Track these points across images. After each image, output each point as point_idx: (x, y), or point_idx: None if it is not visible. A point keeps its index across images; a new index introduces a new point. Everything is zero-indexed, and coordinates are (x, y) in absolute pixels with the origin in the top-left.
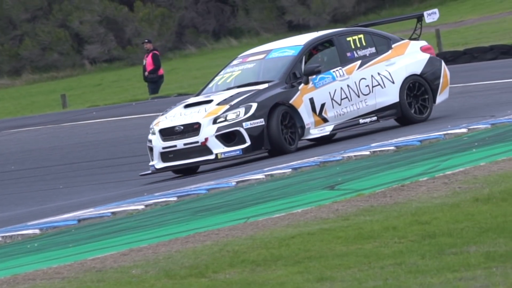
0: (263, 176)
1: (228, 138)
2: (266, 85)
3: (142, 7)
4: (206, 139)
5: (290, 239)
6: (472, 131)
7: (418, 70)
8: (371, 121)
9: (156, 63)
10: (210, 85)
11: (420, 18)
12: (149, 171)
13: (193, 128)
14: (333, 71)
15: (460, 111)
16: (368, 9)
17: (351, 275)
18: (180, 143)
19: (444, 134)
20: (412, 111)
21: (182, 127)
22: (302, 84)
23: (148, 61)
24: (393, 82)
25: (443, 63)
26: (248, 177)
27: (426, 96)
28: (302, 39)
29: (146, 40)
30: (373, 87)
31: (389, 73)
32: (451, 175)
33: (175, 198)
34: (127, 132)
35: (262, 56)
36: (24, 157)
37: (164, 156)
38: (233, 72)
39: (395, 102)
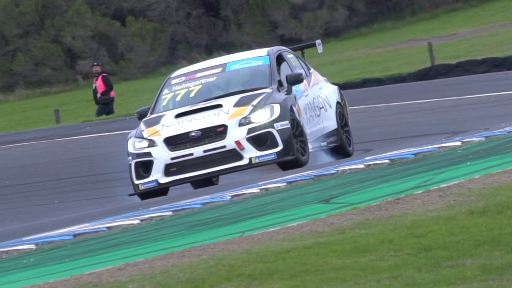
0: (258, 190)
1: (259, 141)
2: (269, 90)
3: (134, 22)
4: (238, 143)
5: (286, 253)
6: (466, 144)
7: (338, 98)
8: (324, 146)
9: (108, 84)
10: (163, 103)
11: (303, 50)
12: (138, 190)
13: (216, 132)
14: (298, 85)
15: (454, 124)
16: (360, 23)
17: None
18: (198, 151)
19: (438, 147)
20: (345, 141)
21: (199, 132)
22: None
23: (99, 83)
24: (330, 107)
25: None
26: (243, 191)
27: (348, 128)
28: (260, 52)
29: (95, 63)
30: (319, 108)
31: (326, 96)
32: (446, 188)
33: (170, 213)
34: (121, 147)
35: (218, 69)
36: (18, 173)
37: (167, 170)
38: (188, 87)
39: (335, 129)
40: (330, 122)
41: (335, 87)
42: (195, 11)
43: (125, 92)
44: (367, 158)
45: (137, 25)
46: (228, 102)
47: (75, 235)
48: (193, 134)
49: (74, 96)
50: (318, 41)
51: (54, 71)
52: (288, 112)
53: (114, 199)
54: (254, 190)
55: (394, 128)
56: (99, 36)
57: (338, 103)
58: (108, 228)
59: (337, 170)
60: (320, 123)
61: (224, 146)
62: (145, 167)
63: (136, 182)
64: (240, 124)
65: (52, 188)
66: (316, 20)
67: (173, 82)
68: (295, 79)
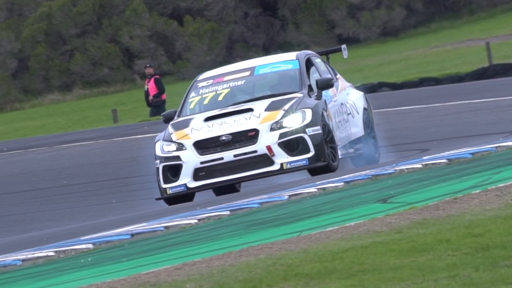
0: (316, 190)
1: (291, 146)
2: (300, 94)
3: (192, 21)
4: (269, 148)
5: (344, 253)
6: None
7: (365, 104)
8: (352, 153)
9: (160, 87)
10: (190, 106)
11: (328, 55)
12: (166, 194)
13: (247, 137)
14: (327, 90)
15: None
16: (418, 22)
17: None
18: (228, 155)
19: (496, 147)
20: (371, 148)
21: (230, 136)
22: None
23: (151, 86)
24: (358, 113)
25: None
26: (300, 191)
27: (374, 134)
28: (289, 55)
29: (148, 65)
30: (347, 114)
31: (353, 102)
32: (504, 187)
33: (228, 212)
34: None
35: (247, 73)
36: (76, 172)
37: (196, 174)
38: (216, 91)
39: (362, 136)
40: (357, 129)
41: (361, 93)
42: (252, 11)
43: (182, 92)
44: (424, 157)
45: (194, 25)
46: (259, 106)
47: (132, 235)
48: (223, 138)
49: (132, 96)
50: (343, 46)
51: (111, 70)
52: (320, 117)
53: None
54: (312, 189)
55: (452, 128)
56: (157, 36)
57: (364, 109)
58: (166, 227)
59: (395, 170)
60: (348, 129)
61: (255, 151)
62: (173, 171)
63: (164, 186)
64: (272, 129)
65: (110, 187)
66: (374, 20)
67: (200, 85)
68: (326, 84)
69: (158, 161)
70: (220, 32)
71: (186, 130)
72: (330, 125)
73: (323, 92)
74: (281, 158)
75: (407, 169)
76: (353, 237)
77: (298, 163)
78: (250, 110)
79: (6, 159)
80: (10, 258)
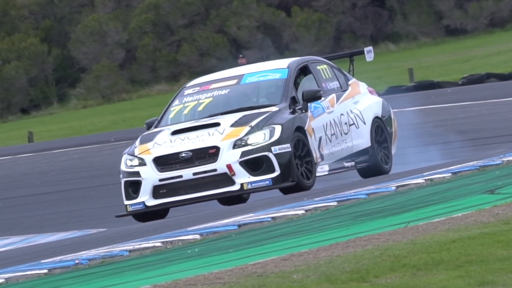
0: (423, 181)
1: (253, 165)
2: (275, 108)
3: (300, 12)
4: (229, 167)
5: (451, 244)
6: None
7: (379, 112)
8: (351, 166)
9: None
10: (171, 116)
11: (352, 57)
12: (126, 212)
13: (207, 154)
14: (321, 101)
15: None
16: None
17: None
18: (187, 173)
19: None
20: (379, 159)
21: (190, 153)
22: (304, 111)
23: None
24: (364, 123)
25: (391, 109)
26: (407, 182)
27: (387, 144)
28: (281, 63)
29: (241, 55)
30: (349, 125)
31: (360, 112)
32: None
33: (335, 203)
34: None
35: (233, 81)
36: None
37: (156, 192)
38: (198, 100)
39: (367, 147)
40: (361, 140)
41: (378, 100)
42: (360, 1)
43: None
44: None
45: (302, 16)
46: (227, 121)
47: (239, 225)
48: (183, 154)
49: None
50: (368, 48)
51: (219, 61)
52: (292, 134)
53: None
54: (419, 180)
55: None
56: (264, 27)
57: (377, 118)
58: (273, 218)
59: (502, 161)
60: (348, 141)
61: (215, 170)
62: (134, 187)
63: (126, 202)
64: (235, 146)
65: None
66: (482, 11)
67: (186, 92)
68: (311, 96)
69: (121, 176)
70: (328, 23)
71: (149, 145)
72: (310, 140)
73: (313, 104)
74: (242, 177)
75: None
76: (460, 228)
77: (260, 183)
78: (217, 124)
79: (114, 149)
80: (117, 248)
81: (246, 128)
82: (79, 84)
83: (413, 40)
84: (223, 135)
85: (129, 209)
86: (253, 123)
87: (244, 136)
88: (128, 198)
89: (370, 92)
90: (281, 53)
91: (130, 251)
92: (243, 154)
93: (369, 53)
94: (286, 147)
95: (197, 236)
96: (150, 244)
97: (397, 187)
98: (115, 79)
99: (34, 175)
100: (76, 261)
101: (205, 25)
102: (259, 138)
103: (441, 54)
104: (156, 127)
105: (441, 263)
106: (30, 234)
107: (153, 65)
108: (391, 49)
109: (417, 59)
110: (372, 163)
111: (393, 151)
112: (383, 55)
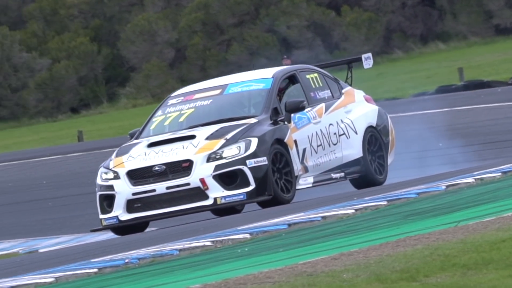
0: (473, 180)
1: (227, 179)
2: (254, 120)
3: (350, 11)
4: (203, 181)
5: (501, 243)
6: None
7: (373, 121)
8: (340, 177)
9: None
10: (152, 126)
11: (350, 64)
12: (102, 226)
13: (181, 168)
14: (307, 111)
15: None
16: None
17: None
18: (161, 187)
19: None
20: (373, 169)
21: (163, 167)
22: (287, 123)
23: None
24: (356, 133)
25: (389, 118)
26: (458, 181)
27: (382, 153)
28: (266, 72)
29: (285, 56)
30: (339, 136)
31: (351, 121)
32: None
33: (385, 202)
34: None
35: (217, 91)
36: None
37: (130, 206)
38: (180, 110)
39: (359, 157)
40: (352, 151)
41: (373, 109)
42: (410, 1)
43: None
44: None
45: (352, 15)
46: (203, 133)
47: (289, 225)
48: (156, 168)
49: None
50: (366, 55)
51: (269, 60)
52: (270, 146)
53: (333, 187)
54: (469, 180)
55: None
56: (314, 26)
57: (371, 127)
58: (323, 217)
59: None
60: (337, 152)
61: (188, 184)
62: (108, 201)
63: (100, 216)
64: (209, 159)
65: None
66: None
67: (170, 102)
68: (294, 107)
69: (96, 189)
70: (378, 22)
71: (124, 157)
72: (290, 153)
73: (298, 114)
74: (216, 192)
75: None
76: (511, 228)
77: (234, 197)
78: (192, 137)
79: None
80: (167, 248)
81: (221, 141)
82: (128, 83)
83: (463, 40)
84: (197, 148)
85: (104, 223)
86: (229, 135)
87: (218, 149)
88: (103, 212)
89: (367, 100)
90: (331, 53)
91: (180, 250)
92: (217, 167)
93: (367, 60)
94: (263, 160)
95: (247, 235)
96: (200, 243)
97: (447, 186)
98: (164, 79)
99: (84, 174)
100: (126, 260)
101: (255, 24)
102: (234, 152)
103: (491, 53)
104: (137, 138)
105: (491, 262)
106: (80, 233)
107: (203, 64)
108: (441, 49)
109: (467, 58)
110: (364, 174)
111: (389, 161)
112: (433, 54)
